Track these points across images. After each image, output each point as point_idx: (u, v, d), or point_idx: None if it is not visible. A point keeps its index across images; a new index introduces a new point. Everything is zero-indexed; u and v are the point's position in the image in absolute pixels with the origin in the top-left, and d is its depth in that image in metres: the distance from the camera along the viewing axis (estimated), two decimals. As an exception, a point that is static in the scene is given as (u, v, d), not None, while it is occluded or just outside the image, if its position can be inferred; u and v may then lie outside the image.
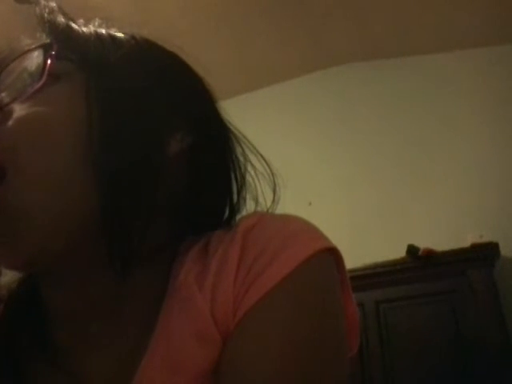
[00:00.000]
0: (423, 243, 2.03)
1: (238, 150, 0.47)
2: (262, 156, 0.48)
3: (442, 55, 2.68)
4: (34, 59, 0.42)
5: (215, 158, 0.46)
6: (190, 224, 0.45)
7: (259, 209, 0.47)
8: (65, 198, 0.37)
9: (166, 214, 0.43)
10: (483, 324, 1.79)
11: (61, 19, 0.44)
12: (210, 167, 0.45)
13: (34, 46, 0.42)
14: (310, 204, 2.46)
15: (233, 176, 0.47)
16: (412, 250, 2.03)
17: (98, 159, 0.38)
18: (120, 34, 0.45)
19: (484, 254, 1.93)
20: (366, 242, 2.30)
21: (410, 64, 2.75)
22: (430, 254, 1.99)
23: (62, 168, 0.38)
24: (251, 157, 0.48)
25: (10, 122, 0.38)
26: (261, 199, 0.48)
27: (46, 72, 0.40)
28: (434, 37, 2.64)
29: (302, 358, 0.36)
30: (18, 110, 0.39)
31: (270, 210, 0.47)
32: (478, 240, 2.02)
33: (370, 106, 2.77)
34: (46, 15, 0.44)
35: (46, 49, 0.42)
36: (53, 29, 0.43)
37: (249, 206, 0.48)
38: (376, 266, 2.05)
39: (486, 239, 2.01)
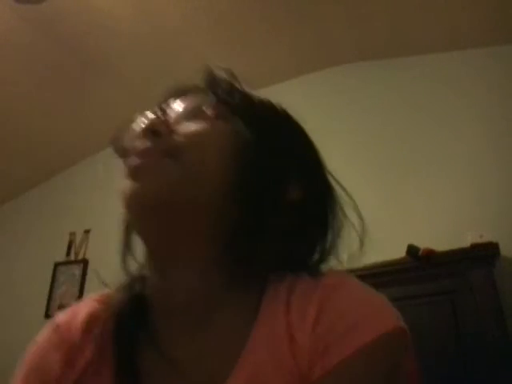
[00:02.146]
0: (423, 243, 2.03)
1: (338, 206, 0.56)
2: (356, 206, 0.57)
3: (442, 55, 2.68)
4: (203, 98, 0.54)
5: (318, 210, 0.55)
6: (285, 260, 0.53)
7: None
8: (208, 189, 0.49)
9: (272, 247, 0.52)
10: (483, 324, 1.79)
11: (224, 77, 0.56)
12: (312, 217, 0.55)
13: (204, 89, 0.55)
14: (310, 204, 2.46)
15: (330, 227, 0.56)
16: (412, 250, 2.03)
17: (236, 185, 0.49)
18: (266, 100, 0.58)
19: (484, 253, 1.93)
20: (366, 241, 2.29)
21: (410, 64, 2.75)
22: (430, 254, 1.98)
23: (210, 173, 0.49)
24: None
25: (183, 131, 0.51)
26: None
27: (211, 109, 0.52)
28: (434, 37, 2.64)
29: None
30: (189, 125, 0.52)
31: (354, 256, 0.57)
32: (477, 240, 2.01)
33: (369, 106, 2.77)
34: (215, 74, 0.56)
35: (213, 92, 0.54)
36: (218, 83, 0.55)
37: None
38: (376, 265, 2.05)
39: (485, 239, 2.00)
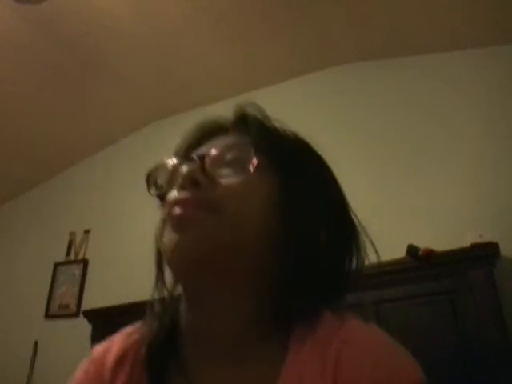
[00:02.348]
0: (423, 243, 2.03)
1: (361, 246, 0.59)
2: (373, 245, 0.60)
3: (442, 55, 2.68)
4: (240, 148, 0.54)
5: (343, 250, 0.58)
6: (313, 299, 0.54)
7: None
8: (248, 241, 0.50)
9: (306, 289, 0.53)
10: (483, 324, 1.79)
11: (257, 119, 0.58)
12: (336, 256, 0.57)
13: (240, 140, 0.55)
14: (310, 204, 2.46)
15: (353, 264, 0.58)
16: (412, 250, 2.03)
17: (276, 236, 0.51)
18: (295, 139, 0.60)
19: (484, 253, 1.93)
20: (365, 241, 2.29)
21: (410, 64, 2.75)
22: (430, 254, 1.98)
23: (250, 227, 0.50)
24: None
25: (223, 184, 0.51)
26: None
27: (250, 160, 0.52)
28: (434, 37, 2.64)
29: None
30: (228, 176, 0.52)
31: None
32: (477, 240, 2.01)
33: (369, 106, 2.77)
34: (249, 114, 0.58)
35: (253, 144, 0.53)
36: (254, 126, 0.57)
37: None
38: (376, 266, 2.05)
39: (485, 239, 2.00)
